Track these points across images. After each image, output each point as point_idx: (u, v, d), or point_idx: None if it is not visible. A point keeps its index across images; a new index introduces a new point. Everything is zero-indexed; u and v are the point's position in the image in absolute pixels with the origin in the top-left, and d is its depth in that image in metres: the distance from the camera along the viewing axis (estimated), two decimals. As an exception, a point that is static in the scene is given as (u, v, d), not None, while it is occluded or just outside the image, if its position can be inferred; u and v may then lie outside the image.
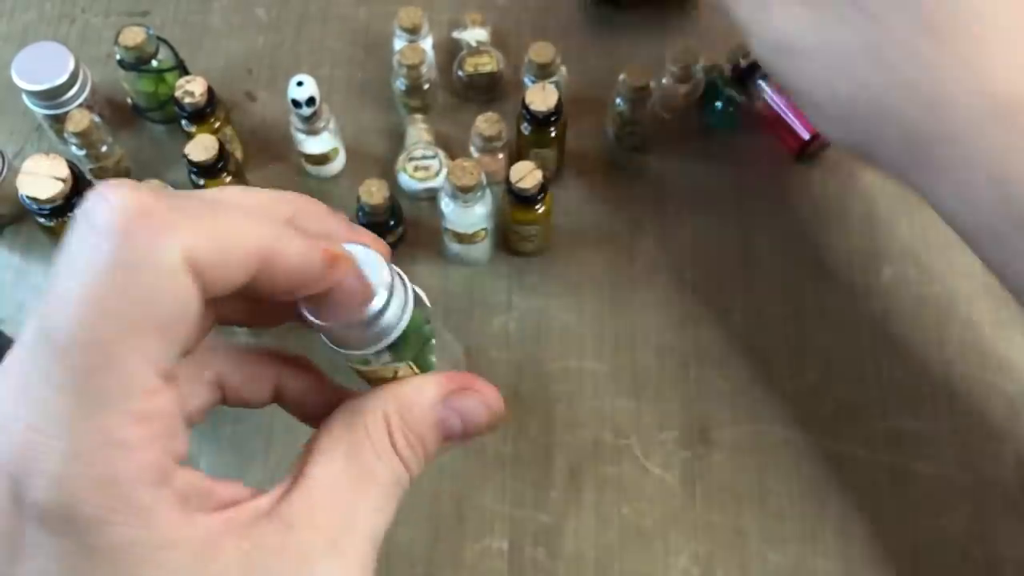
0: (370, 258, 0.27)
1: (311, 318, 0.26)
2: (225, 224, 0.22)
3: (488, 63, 0.61)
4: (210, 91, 0.56)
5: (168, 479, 0.21)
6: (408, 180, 0.59)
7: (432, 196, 0.59)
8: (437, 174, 0.58)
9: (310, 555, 0.23)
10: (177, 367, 0.22)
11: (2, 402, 0.21)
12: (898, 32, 0.35)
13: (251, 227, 0.23)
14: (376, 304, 0.26)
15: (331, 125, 0.57)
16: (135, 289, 0.20)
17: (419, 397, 0.27)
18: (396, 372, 0.28)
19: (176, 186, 0.55)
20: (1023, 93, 0.34)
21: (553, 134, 0.55)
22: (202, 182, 0.54)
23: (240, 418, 0.53)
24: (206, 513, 0.22)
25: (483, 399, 0.28)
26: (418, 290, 0.28)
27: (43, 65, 0.56)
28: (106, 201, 0.21)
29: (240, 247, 0.22)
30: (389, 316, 0.26)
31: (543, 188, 0.52)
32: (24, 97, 0.57)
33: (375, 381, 0.29)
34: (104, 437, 0.20)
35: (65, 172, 0.51)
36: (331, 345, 0.28)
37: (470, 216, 0.53)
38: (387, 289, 0.26)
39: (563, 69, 0.60)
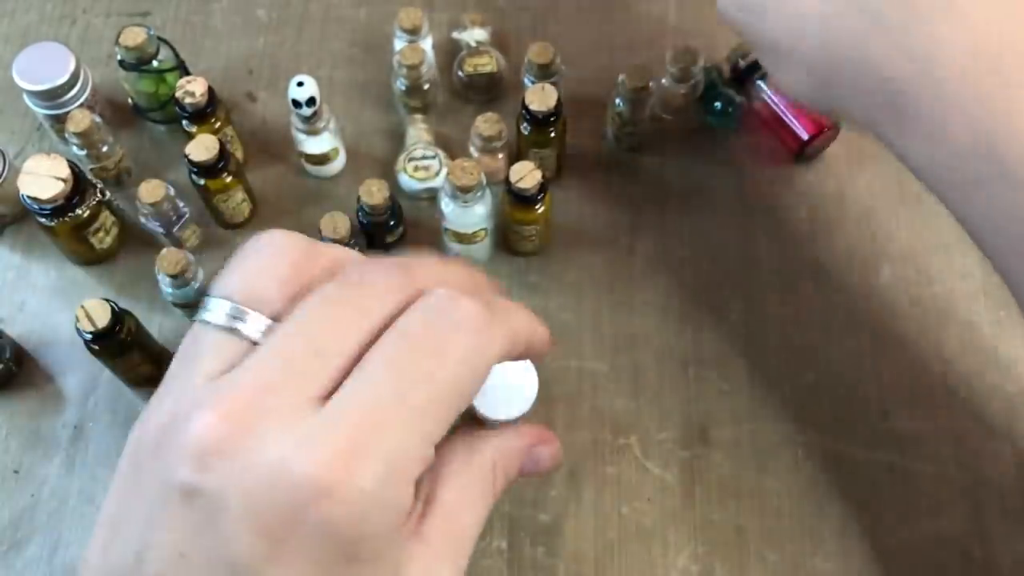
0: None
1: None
2: (516, 325, 0.29)
3: (488, 63, 0.61)
4: (211, 91, 0.56)
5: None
6: (408, 180, 0.59)
7: (432, 196, 0.59)
8: (437, 174, 0.58)
9: (437, 569, 0.27)
10: None
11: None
12: None
13: (527, 324, 0.30)
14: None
15: (331, 125, 0.57)
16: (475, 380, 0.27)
17: (516, 445, 0.32)
18: None
19: (177, 186, 0.55)
20: (1006, 39, 0.33)
21: (553, 134, 0.56)
22: (202, 182, 0.54)
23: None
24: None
25: (552, 450, 0.33)
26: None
27: (44, 65, 0.56)
28: (464, 305, 0.27)
29: (522, 344, 0.29)
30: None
31: (543, 188, 0.52)
32: (25, 97, 0.57)
33: None
34: (410, 473, 0.25)
35: (66, 172, 0.51)
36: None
37: (470, 216, 0.53)
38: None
39: (563, 69, 0.60)
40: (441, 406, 0.25)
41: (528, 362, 0.44)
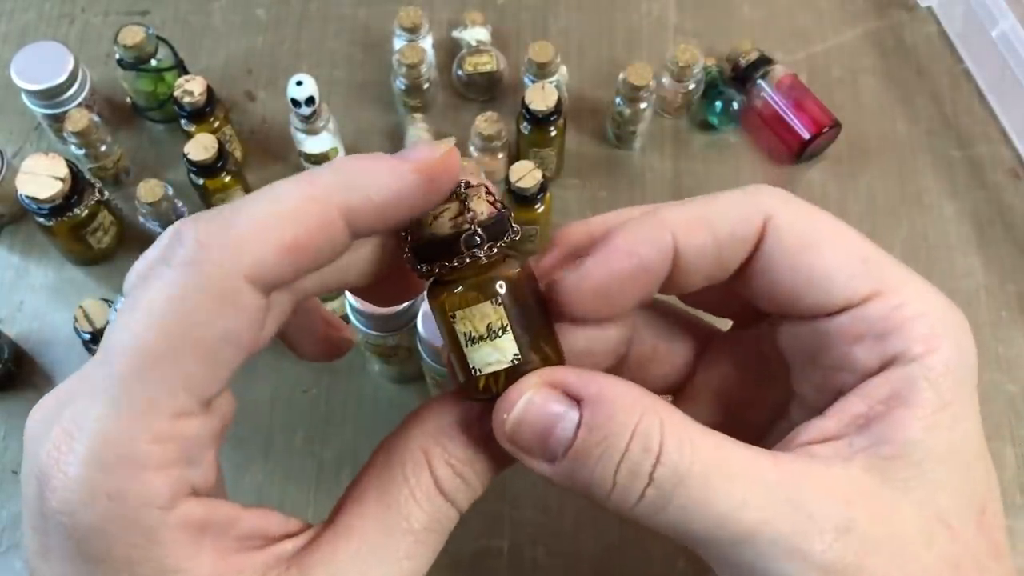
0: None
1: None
2: (281, 217, 0.21)
3: (488, 62, 0.61)
4: (209, 90, 0.56)
5: (177, 504, 0.21)
6: (408, 180, 0.58)
7: (432, 196, 0.59)
8: (437, 174, 0.58)
9: None
10: (223, 383, 0.22)
11: (52, 402, 0.22)
12: None
13: (302, 200, 0.21)
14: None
15: (331, 124, 0.57)
16: (195, 314, 0.20)
17: (462, 421, 0.24)
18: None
19: (176, 185, 0.55)
20: None
21: (552, 134, 0.55)
22: (201, 181, 0.54)
23: (238, 419, 0.53)
24: (220, 547, 0.22)
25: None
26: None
27: (42, 64, 0.56)
28: (178, 237, 0.21)
29: (307, 220, 0.21)
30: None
31: (543, 188, 0.52)
32: (23, 96, 0.57)
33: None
34: (122, 450, 0.20)
35: (64, 171, 0.51)
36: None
37: (470, 216, 0.53)
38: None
39: (563, 69, 0.60)
40: (149, 366, 0.20)
41: None
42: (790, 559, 0.21)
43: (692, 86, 0.59)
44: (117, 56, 0.57)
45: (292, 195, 0.21)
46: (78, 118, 0.55)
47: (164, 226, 0.55)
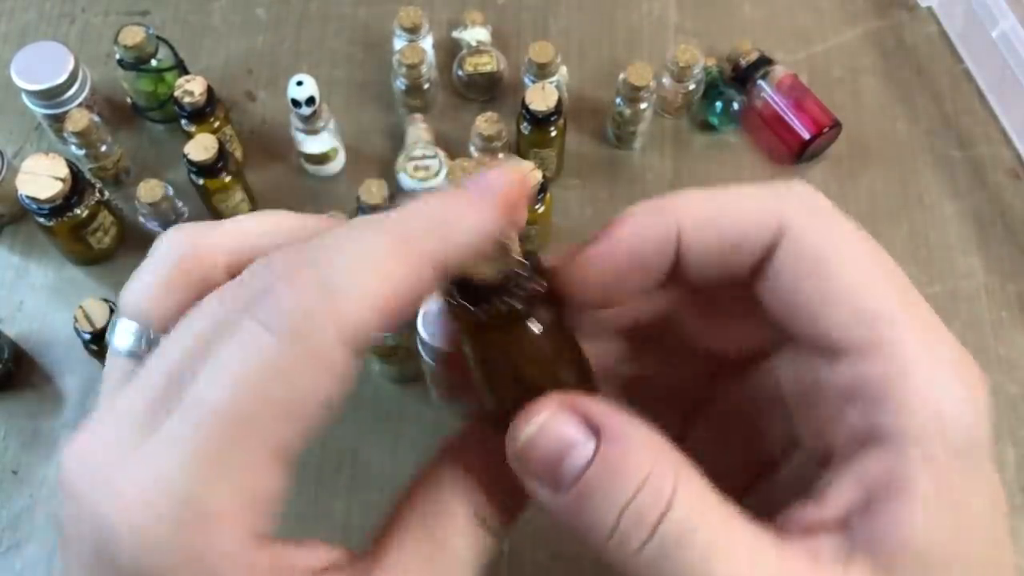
0: None
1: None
2: (379, 277, 0.20)
3: (488, 63, 0.61)
4: (210, 91, 0.56)
5: (252, 558, 0.20)
6: (408, 180, 0.59)
7: (432, 196, 0.59)
8: (437, 174, 0.58)
9: None
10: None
11: (97, 446, 0.21)
12: None
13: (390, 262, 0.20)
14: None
15: (331, 125, 0.57)
16: (296, 385, 0.20)
17: (503, 450, 0.23)
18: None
19: (176, 185, 0.55)
20: None
21: (553, 134, 0.55)
22: (201, 181, 0.54)
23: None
24: None
25: None
26: None
27: (43, 64, 0.56)
28: (269, 291, 0.20)
29: (404, 279, 0.20)
30: None
31: (543, 188, 0.52)
32: (24, 97, 0.57)
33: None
34: (205, 510, 0.19)
35: (64, 172, 0.51)
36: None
37: (470, 216, 0.53)
38: None
39: (563, 69, 0.60)
40: (244, 433, 0.19)
41: None
42: None
43: (692, 86, 0.59)
44: (117, 56, 0.57)
45: (384, 250, 0.20)
46: (78, 118, 0.55)
47: (164, 226, 0.55)
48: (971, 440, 0.20)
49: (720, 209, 0.23)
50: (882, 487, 0.20)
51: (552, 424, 0.21)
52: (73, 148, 0.56)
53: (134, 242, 0.58)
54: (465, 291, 0.23)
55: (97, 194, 0.54)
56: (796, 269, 0.22)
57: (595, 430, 0.21)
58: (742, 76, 0.60)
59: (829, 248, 0.22)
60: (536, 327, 0.23)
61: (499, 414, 0.23)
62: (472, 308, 0.23)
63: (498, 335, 0.23)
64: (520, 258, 0.23)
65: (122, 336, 0.24)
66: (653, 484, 0.20)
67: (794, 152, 0.60)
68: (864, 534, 0.20)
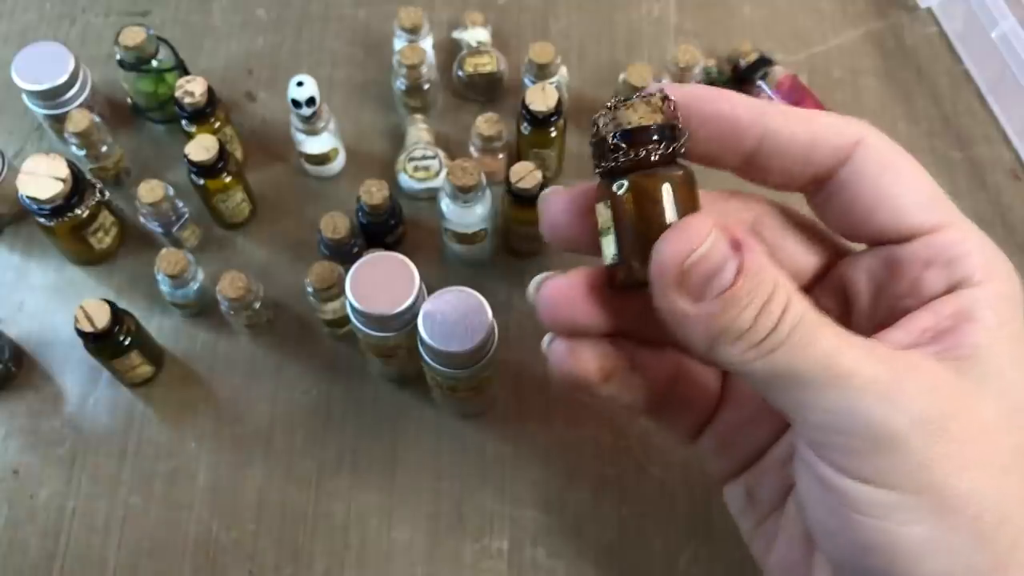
0: None
1: None
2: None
3: (488, 63, 0.61)
4: (210, 91, 0.56)
5: None
6: (408, 180, 0.59)
7: (432, 196, 0.59)
8: (437, 174, 0.58)
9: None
10: None
11: None
12: None
13: None
14: None
15: (331, 125, 0.57)
16: None
17: None
18: None
19: (176, 186, 0.55)
20: None
21: (553, 134, 0.55)
22: (202, 182, 0.54)
23: (240, 419, 0.53)
24: None
25: None
26: None
27: (43, 65, 0.56)
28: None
29: None
30: None
31: (543, 188, 0.52)
32: (24, 97, 0.57)
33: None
34: None
35: (65, 172, 0.51)
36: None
37: (470, 216, 0.53)
38: None
39: (563, 69, 0.60)
40: None
41: (482, 298, 0.44)
42: (881, 402, 0.23)
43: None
44: (118, 57, 0.57)
45: None
46: (79, 119, 0.55)
47: (164, 226, 0.55)
48: (1018, 299, 0.26)
49: (808, 114, 0.27)
50: (952, 315, 0.25)
51: (718, 242, 0.24)
52: (73, 148, 0.56)
53: (134, 242, 0.58)
54: (626, 138, 0.25)
55: (98, 194, 0.54)
56: (873, 170, 0.26)
57: (735, 246, 0.24)
58: (742, 77, 0.61)
59: (898, 158, 0.26)
60: (687, 169, 0.26)
61: (628, 258, 0.25)
62: (637, 153, 0.25)
63: (657, 177, 0.25)
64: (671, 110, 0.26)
65: None
66: (780, 287, 0.24)
67: (794, 153, 0.60)
68: (935, 347, 0.25)
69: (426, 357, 0.46)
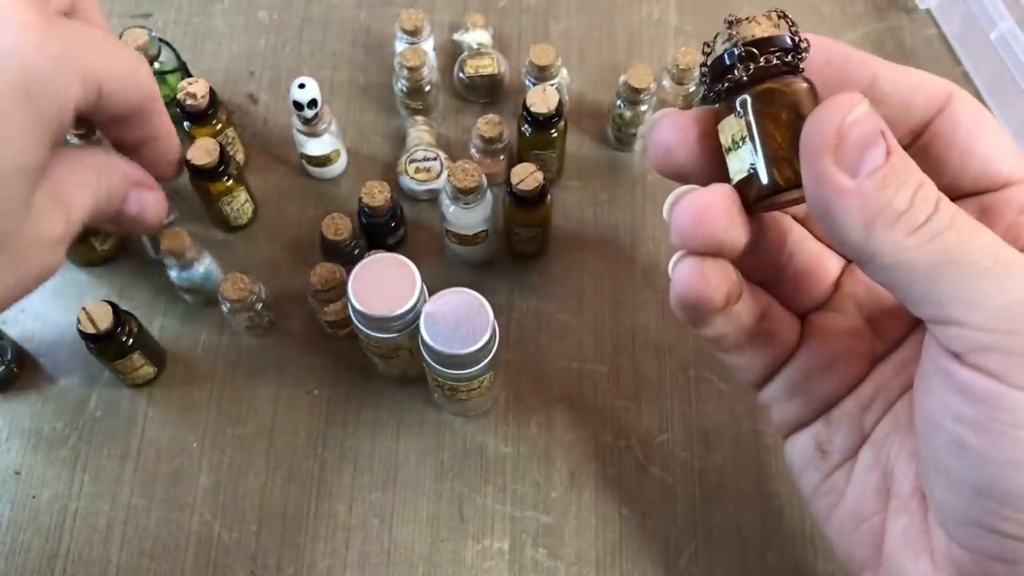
0: None
1: None
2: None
3: (489, 65, 0.61)
4: (212, 93, 0.56)
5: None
6: (409, 182, 0.59)
7: (433, 198, 0.59)
8: (438, 176, 0.59)
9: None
10: None
11: None
12: None
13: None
14: None
15: (332, 127, 0.57)
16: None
17: (121, 170, 0.34)
18: None
19: (177, 187, 0.56)
20: None
21: (553, 136, 0.56)
22: (204, 185, 0.54)
23: (242, 420, 0.53)
24: None
25: (155, 199, 0.34)
26: None
27: (45, 67, 0.56)
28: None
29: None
30: None
31: (544, 190, 0.52)
32: (26, 99, 0.57)
33: None
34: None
35: (67, 174, 0.51)
36: None
37: (471, 218, 0.53)
38: None
39: (564, 71, 0.60)
40: None
41: (483, 299, 0.45)
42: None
43: (692, 88, 0.60)
44: (120, 59, 0.57)
45: None
46: (79, 120, 0.55)
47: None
48: None
49: (909, 70, 0.28)
50: None
51: (869, 112, 0.24)
52: (76, 150, 0.56)
53: (136, 244, 0.58)
54: (753, 49, 0.26)
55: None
56: (967, 122, 0.27)
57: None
58: (742, 78, 0.61)
59: (985, 114, 0.28)
60: (809, 83, 0.26)
61: (767, 165, 0.25)
62: (768, 61, 0.26)
63: (795, 82, 0.26)
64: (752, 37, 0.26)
65: None
66: (929, 182, 0.24)
67: (794, 154, 0.60)
68: None
69: (427, 358, 0.46)
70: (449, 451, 0.52)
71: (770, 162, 0.25)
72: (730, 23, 0.27)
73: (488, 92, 0.62)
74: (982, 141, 0.27)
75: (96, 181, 0.31)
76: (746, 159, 0.26)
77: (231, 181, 0.54)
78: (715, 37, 0.27)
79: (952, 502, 0.25)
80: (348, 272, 0.46)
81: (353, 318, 0.47)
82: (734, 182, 0.27)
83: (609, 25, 0.66)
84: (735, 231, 0.27)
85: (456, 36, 0.64)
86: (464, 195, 0.51)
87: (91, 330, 0.48)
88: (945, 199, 0.24)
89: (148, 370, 0.53)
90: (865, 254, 0.24)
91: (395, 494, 0.51)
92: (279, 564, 0.50)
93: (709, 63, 0.27)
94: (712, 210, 0.27)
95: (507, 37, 0.65)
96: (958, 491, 0.24)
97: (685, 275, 0.27)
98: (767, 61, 0.26)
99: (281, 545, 0.50)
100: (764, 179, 0.26)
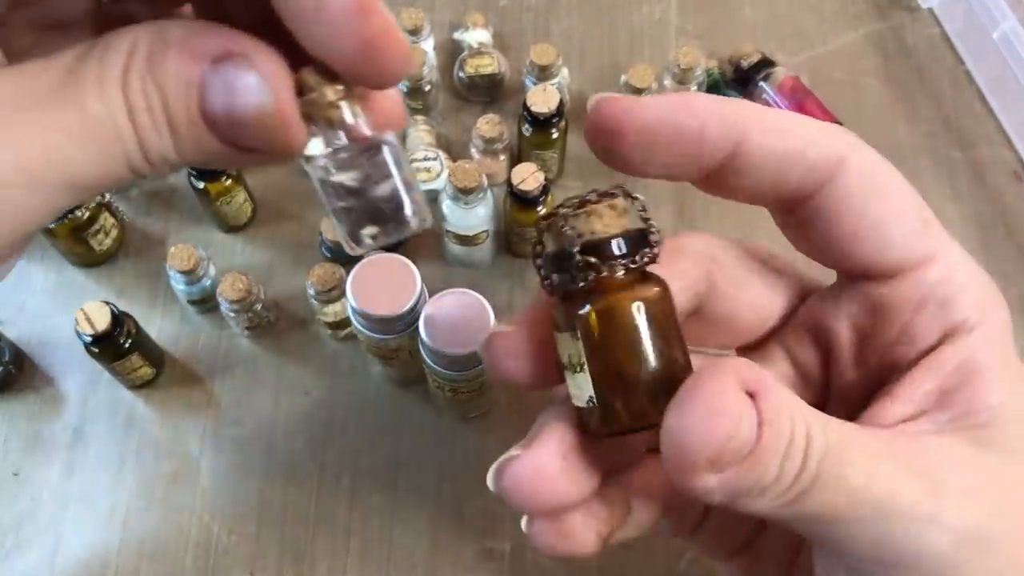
0: None
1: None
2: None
3: (489, 65, 0.61)
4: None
5: None
6: (409, 182, 0.58)
7: (433, 198, 0.59)
8: (438, 176, 0.58)
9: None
10: None
11: None
12: None
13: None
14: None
15: (332, 127, 0.57)
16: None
17: (187, 43, 0.19)
18: None
19: (176, 187, 0.55)
20: None
21: (554, 136, 0.55)
22: (202, 185, 0.54)
23: (241, 421, 0.53)
24: None
25: (254, 81, 0.19)
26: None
27: (44, 67, 0.56)
28: None
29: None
30: None
31: (545, 190, 0.52)
32: (24, 99, 0.57)
33: None
34: None
35: (66, 174, 0.51)
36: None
37: (471, 218, 0.53)
38: None
39: (564, 71, 0.60)
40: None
41: (483, 299, 0.44)
42: (924, 526, 0.20)
43: (694, 88, 0.59)
44: (118, 58, 0.57)
45: None
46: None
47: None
48: (1009, 327, 0.24)
49: (788, 125, 0.23)
50: (956, 371, 0.23)
51: (748, 413, 0.20)
52: (74, 150, 0.56)
53: (135, 244, 0.58)
54: (587, 253, 0.21)
55: (98, 196, 0.54)
56: (857, 193, 0.23)
57: (751, 394, 0.20)
58: (743, 78, 0.60)
59: (884, 179, 0.24)
60: (662, 281, 0.21)
61: (610, 401, 0.21)
62: (610, 270, 0.21)
63: (636, 297, 0.21)
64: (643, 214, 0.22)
65: None
66: (800, 424, 0.20)
67: (795, 154, 0.60)
68: (946, 415, 0.22)
69: (427, 359, 0.46)
70: (449, 452, 0.52)
71: (609, 398, 0.21)
72: (565, 215, 0.21)
73: (488, 92, 0.62)
74: (874, 219, 0.23)
75: (122, 108, 0.18)
76: (584, 388, 0.21)
77: (230, 181, 0.54)
78: (546, 223, 0.22)
79: None
80: (347, 273, 0.46)
81: (353, 319, 0.46)
82: (576, 405, 0.22)
83: (610, 24, 0.66)
84: (577, 487, 0.23)
85: (456, 35, 0.64)
86: (464, 195, 0.51)
87: (89, 331, 0.48)
88: (815, 438, 0.20)
89: (147, 371, 0.53)
90: (731, 508, 0.21)
91: (395, 495, 0.51)
92: (278, 566, 0.49)
93: (540, 256, 0.22)
94: (543, 481, 0.23)
95: (507, 36, 0.65)
96: None
97: (543, 540, 0.25)
98: (611, 271, 0.21)
99: (280, 546, 0.50)
100: (600, 421, 0.21)
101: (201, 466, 0.52)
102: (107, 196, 0.56)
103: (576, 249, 0.21)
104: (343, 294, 0.49)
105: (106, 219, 0.55)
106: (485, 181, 0.52)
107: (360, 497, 0.51)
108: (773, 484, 0.20)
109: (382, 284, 0.45)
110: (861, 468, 0.20)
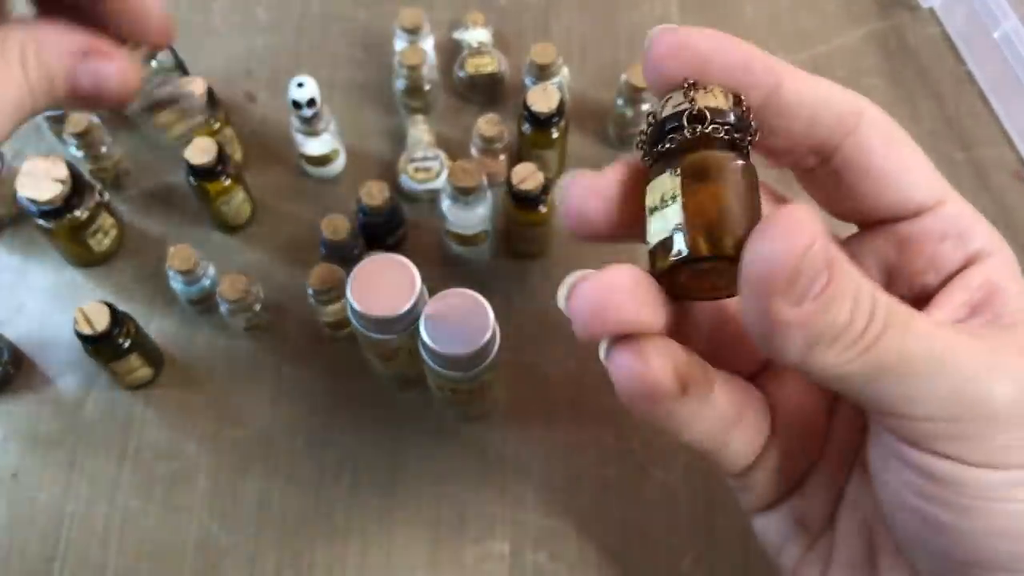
0: None
1: None
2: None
3: (489, 64, 0.61)
4: (210, 92, 0.55)
5: None
6: (409, 181, 0.58)
7: (433, 197, 0.58)
8: (438, 175, 0.58)
9: None
10: None
11: None
12: None
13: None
14: None
15: (331, 126, 0.57)
16: None
17: (59, 39, 0.27)
18: None
19: (175, 187, 0.55)
20: None
21: (554, 135, 0.55)
22: (200, 184, 0.54)
23: (240, 422, 0.53)
24: None
25: (118, 69, 0.28)
26: None
27: (42, 66, 0.56)
28: None
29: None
30: None
31: (544, 190, 0.52)
32: (23, 98, 0.57)
33: None
34: None
35: (64, 173, 0.51)
36: None
37: (471, 218, 0.53)
38: None
39: (565, 70, 0.60)
40: None
41: (483, 299, 0.44)
42: (991, 378, 0.22)
43: (694, 87, 0.59)
44: (117, 57, 0.57)
45: None
46: (78, 120, 0.54)
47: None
48: (1017, 264, 0.27)
49: (817, 79, 0.26)
50: (982, 286, 0.26)
51: (819, 245, 0.21)
52: (73, 150, 0.56)
53: (134, 244, 0.58)
54: (701, 117, 0.25)
55: (97, 196, 0.54)
56: (879, 143, 0.26)
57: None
58: (744, 77, 0.60)
59: (899, 133, 0.27)
60: (753, 167, 0.25)
61: (695, 226, 0.23)
62: (715, 131, 0.24)
63: (735, 156, 0.24)
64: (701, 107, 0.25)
65: None
66: (864, 281, 0.22)
67: (796, 153, 0.60)
68: (978, 320, 0.25)
69: (427, 360, 0.45)
70: (449, 453, 0.52)
71: (693, 228, 0.23)
72: (686, 89, 0.25)
73: (488, 91, 0.62)
74: (898, 165, 0.26)
75: (21, 71, 0.26)
76: (671, 219, 0.24)
77: (229, 181, 0.54)
78: (666, 100, 0.26)
79: (940, 572, 0.25)
80: (347, 273, 0.45)
81: (352, 319, 0.46)
82: (650, 245, 0.25)
83: (610, 23, 0.66)
84: (647, 313, 0.24)
85: (456, 34, 0.63)
86: (464, 195, 0.51)
87: (88, 331, 0.48)
88: (879, 295, 0.22)
89: (145, 372, 0.52)
90: (802, 370, 0.22)
91: (394, 496, 0.51)
92: (278, 568, 0.49)
93: (655, 122, 0.26)
94: (616, 296, 0.24)
95: (507, 35, 0.65)
96: (941, 563, 0.25)
97: (623, 364, 0.24)
98: (715, 131, 0.24)
99: (280, 548, 0.50)
100: (682, 244, 0.23)
101: (200, 467, 0.52)
102: (106, 196, 0.56)
103: (698, 108, 0.25)
104: (343, 294, 0.49)
105: (105, 219, 0.55)
106: (485, 181, 0.52)
107: (359, 498, 0.51)
108: (846, 330, 0.22)
109: (382, 284, 0.45)
110: (926, 326, 0.23)
